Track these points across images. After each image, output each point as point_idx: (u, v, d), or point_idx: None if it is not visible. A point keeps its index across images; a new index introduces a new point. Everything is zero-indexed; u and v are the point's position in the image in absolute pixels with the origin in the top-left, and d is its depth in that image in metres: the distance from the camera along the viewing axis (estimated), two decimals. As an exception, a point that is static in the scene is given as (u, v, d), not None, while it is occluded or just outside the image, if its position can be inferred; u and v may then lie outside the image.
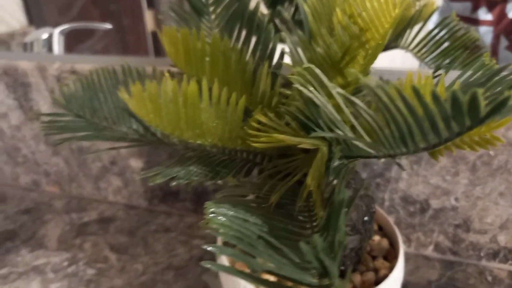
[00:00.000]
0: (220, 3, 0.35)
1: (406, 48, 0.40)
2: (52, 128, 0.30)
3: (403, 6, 0.27)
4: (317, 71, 0.18)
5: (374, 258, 0.35)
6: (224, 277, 0.33)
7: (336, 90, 0.16)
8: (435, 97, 0.15)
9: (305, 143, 0.18)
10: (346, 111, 0.17)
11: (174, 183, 0.28)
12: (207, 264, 0.15)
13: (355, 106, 0.15)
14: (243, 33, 0.34)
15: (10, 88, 0.56)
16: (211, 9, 0.36)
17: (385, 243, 0.36)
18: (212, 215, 0.19)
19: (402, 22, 0.37)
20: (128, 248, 0.51)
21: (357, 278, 0.33)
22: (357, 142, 0.18)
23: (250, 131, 0.23)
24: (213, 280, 0.45)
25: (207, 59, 0.27)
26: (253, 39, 0.33)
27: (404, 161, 0.44)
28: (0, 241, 0.54)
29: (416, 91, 0.13)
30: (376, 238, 0.37)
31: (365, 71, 0.29)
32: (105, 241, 0.52)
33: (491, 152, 0.40)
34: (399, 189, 0.45)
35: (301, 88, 0.18)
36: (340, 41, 0.28)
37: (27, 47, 0.68)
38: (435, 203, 0.45)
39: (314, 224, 0.23)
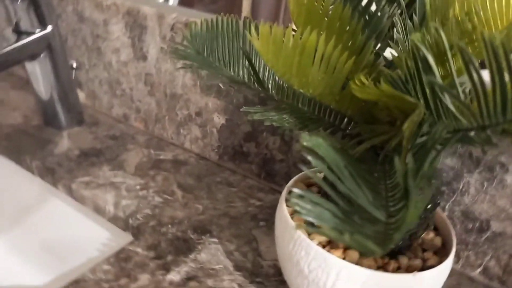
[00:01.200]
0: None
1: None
2: (176, 54, 0.35)
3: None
4: (442, 33, 0.21)
5: (424, 251, 0.37)
6: (280, 232, 0.36)
7: (465, 51, 0.18)
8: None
9: (408, 99, 0.21)
10: (455, 75, 0.19)
11: (267, 123, 0.31)
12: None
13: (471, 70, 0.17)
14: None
15: (128, 27, 0.64)
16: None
17: (438, 241, 0.37)
18: (308, 142, 0.23)
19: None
20: (193, 190, 0.56)
21: (404, 260, 0.34)
22: (453, 108, 0.20)
23: (353, 86, 0.26)
24: (262, 236, 0.49)
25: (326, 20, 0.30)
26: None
27: (473, 179, 0.44)
28: (87, 155, 0.61)
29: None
30: (431, 234, 0.38)
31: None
32: (174, 179, 0.58)
33: None
34: (463, 202, 0.46)
35: (420, 45, 0.21)
36: (451, 35, 0.30)
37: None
38: (496, 226, 0.45)
39: (388, 182, 0.26)
